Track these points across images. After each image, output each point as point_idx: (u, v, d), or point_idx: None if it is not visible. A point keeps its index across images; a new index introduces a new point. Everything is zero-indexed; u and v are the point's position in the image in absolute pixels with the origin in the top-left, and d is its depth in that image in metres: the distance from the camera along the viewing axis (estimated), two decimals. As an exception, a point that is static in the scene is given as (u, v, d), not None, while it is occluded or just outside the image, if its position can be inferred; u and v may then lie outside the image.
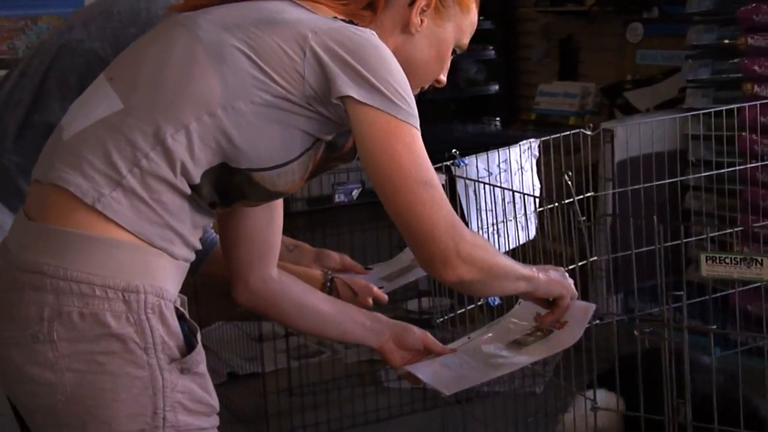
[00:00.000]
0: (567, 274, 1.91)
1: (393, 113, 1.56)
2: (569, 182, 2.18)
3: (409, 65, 1.71)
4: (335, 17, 1.63)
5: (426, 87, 1.84)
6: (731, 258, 1.82)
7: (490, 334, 2.00)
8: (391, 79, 1.56)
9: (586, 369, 2.26)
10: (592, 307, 1.88)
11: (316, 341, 4.42)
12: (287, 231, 4.46)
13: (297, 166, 1.64)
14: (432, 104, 6.91)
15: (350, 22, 1.63)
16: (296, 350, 4.18)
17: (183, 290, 3.60)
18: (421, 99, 5.58)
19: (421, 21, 1.74)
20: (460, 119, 6.65)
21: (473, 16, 1.82)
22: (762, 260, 1.81)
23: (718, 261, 1.84)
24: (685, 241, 2.69)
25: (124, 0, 2.15)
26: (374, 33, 1.62)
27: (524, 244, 2.70)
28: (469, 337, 2.02)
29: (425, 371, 1.87)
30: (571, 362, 2.31)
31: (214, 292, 1.91)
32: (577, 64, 6.37)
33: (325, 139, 1.67)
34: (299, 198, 5.21)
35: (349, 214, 3.33)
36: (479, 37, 7.26)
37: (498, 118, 6.40)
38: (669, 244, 2.27)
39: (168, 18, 1.70)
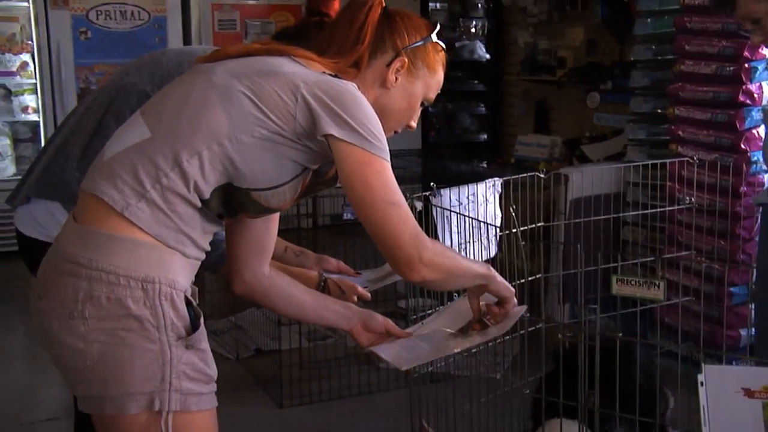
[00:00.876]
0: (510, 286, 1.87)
1: (366, 148, 1.55)
2: (513, 214, 2.14)
3: (384, 113, 1.70)
4: (324, 72, 1.62)
5: (399, 130, 1.81)
6: (636, 281, 1.78)
7: (440, 322, 1.96)
8: (365, 121, 1.55)
9: (531, 364, 2.22)
10: (523, 308, 1.85)
11: (326, 329, 4.40)
12: (312, 240, 4.46)
13: (288, 189, 1.62)
14: (436, 146, 6.93)
15: (336, 76, 1.62)
16: (308, 333, 4.16)
17: (221, 284, 3.60)
18: (428, 142, 5.65)
19: (396, 78, 1.73)
20: (457, 159, 6.63)
21: (439, 76, 1.79)
22: (659, 284, 1.77)
23: (626, 282, 1.80)
24: (612, 265, 2.67)
25: (171, 53, 2.18)
26: (355, 85, 1.61)
27: (490, 260, 2.67)
28: (422, 323, 1.99)
29: (386, 351, 1.85)
30: (524, 356, 2.28)
31: (229, 287, 1.89)
32: (548, 121, 6.38)
33: (312, 167, 1.65)
34: (322, 215, 5.22)
35: (355, 227, 3.29)
36: (473, 95, 7.35)
37: (485, 161, 6.38)
38: (593, 268, 2.24)
39: (193, 67, 1.69)
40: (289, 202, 1.66)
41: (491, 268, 1.78)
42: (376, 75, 1.72)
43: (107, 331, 1.49)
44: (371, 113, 1.58)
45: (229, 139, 1.54)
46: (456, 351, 1.88)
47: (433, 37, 1.76)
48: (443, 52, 1.80)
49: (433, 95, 1.80)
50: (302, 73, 1.59)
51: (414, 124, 1.81)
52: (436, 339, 1.88)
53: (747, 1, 2.16)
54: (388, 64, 1.71)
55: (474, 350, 2.79)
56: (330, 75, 1.61)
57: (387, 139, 1.64)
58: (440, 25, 1.81)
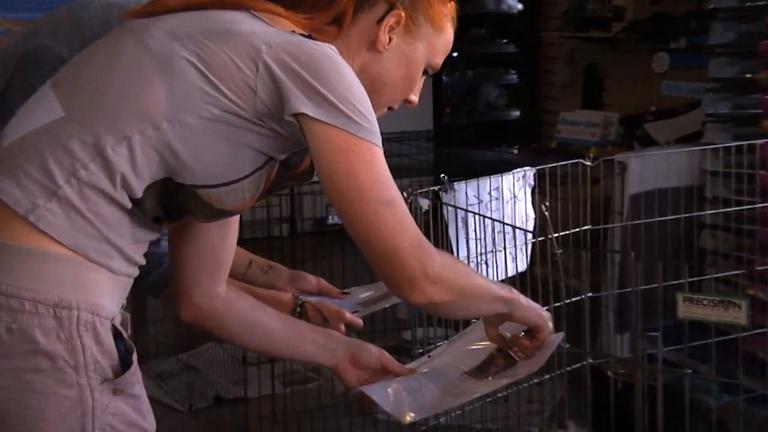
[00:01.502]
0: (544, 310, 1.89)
1: (351, 131, 1.54)
2: (546, 214, 2.15)
3: (375, 84, 1.72)
4: (293, 31, 1.61)
5: (395, 107, 1.83)
6: (708, 300, 1.79)
7: (451, 356, 1.97)
8: (349, 96, 1.54)
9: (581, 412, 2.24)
10: (560, 335, 1.86)
11: (306, 367, 4.41)
12: (289, 252, 4.48)
13: (247, 185, 1.62)
14: (453, 128, 6.93)
15: (309, 36, 1.61)
16: (282, 376, 4.17)
17: (170, 311, 3.62)
18: (441, 123, 5.69)
19: (390, 39, 1.73)
20: (478, 145, 6.63)
21: (448, 35, 1.80)
22: (740, 303, 1.78)
23: (695, 302, 1.81)
24: (685, 281, 2.67)
25: (94, 6, 2.15)
26: (333, 47, 1.60)
27: (519, 275, 2.68)
28: (429, 356, 2.00)
29: (380, 394, 1.84)
30: (567, 402, 2.30)
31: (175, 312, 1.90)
32: (601, 93, 6.36)
33: (279, 157, 1.65)
34: (305, 218, 5.23)
35: (344, 235, 3.31)
36: (501, 60, 7.38)
37: (516, 146, 6.38)
38: (657, 285, 2.25)
39: (121, 24, 1.69)
40: (248, 202, 1.66)
41: (514, 290, 1.79)
42: (363, 35, 1.72)
43: (9, 374, 1.48)
44: (357, 85, 1.57)
45: (168, 120, 1.53)
46: (474, 396, 1.88)
47: None
48: (452, 3, 1.80)
49: (439, 60, 1.81)
50: (265, 32, 1.57)
51: (415, 98, 1.82)
52: (448, 379, 1.89)
53: None
54: (380, 21, 1.71)
55: (500, 394, 2.80)
56: (302, 35, 1.61)
57: (380, 118, 1.65)
58: None
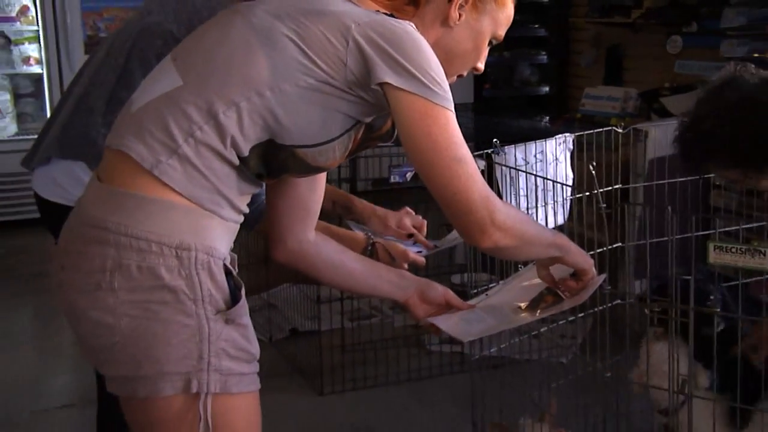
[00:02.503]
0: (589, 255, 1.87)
1: (428, 97, 1.53)
2: (593, 173, 2.13)
3: (448, 55, 1.70)
4: (378, 11, 1.61)
5: (465, 74, 1.81)
6: (737, 248, 1.77)
7: (506, 294, 1.96)
8: (426, 67, 1.54)
9: (607, 344, 2.22)
10: (602, 277, 1.84)
11: (370, 304, 4.42)
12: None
13: (337, 145, 1.62)
14: (491, 100, 6.90)
15: (391, 15, 1.61)
16: (350, 312, 4.18)
17: (255, 256, 3.63)
18: (481, 96, 5.60)
19: (459, 15, 1.71)
20: (515, 114, 6.60)
21: (509, 9, 1.78)
22: (765, 251, 1.75)
23: (725, 250, 1.79)
24: (701, 233, 2.63)
25: None
26: (412, 24, 1.59)
27: (558, 227, 2.66)
28: (486, 294, 1.99)
29: (445, 323, 1.84)
30: (601, 335, 2.28)
31: (269, 254, 1.90)
32: (621, 71, 6.30)
33: (365, 121, 1.65)
34: (362, 179, 5.22)
35: (402, 193, 3.30)
36: (534, 42, 7.30)
37: (548, 117, 6.34)
38: (681, 236, 2.22)
39: (230, 6, 1.69)
40: (339, 160, 1.66)
41: (565, 237, 1.78)
42: (436, 12, 1.71)
43: (138, 304, 1.50)
44: (433, 57, 1.56)
45: (271, 89, 1.53)
46: (528, 322, 1.87)
47: None
48: None
49: (502, 32, 1.79)
50: (353, 12, 1.58)
51: (481, 66, 1.80)
52: (504, 312, 1.88)
53: (717, 169, 2.22)
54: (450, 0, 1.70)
55: (535, 332, 2.79)
56: (385, 14, 1.61)
57: (450, 85, 1.64)
58: None
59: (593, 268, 1.82)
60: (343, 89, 1.56)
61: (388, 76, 1.53)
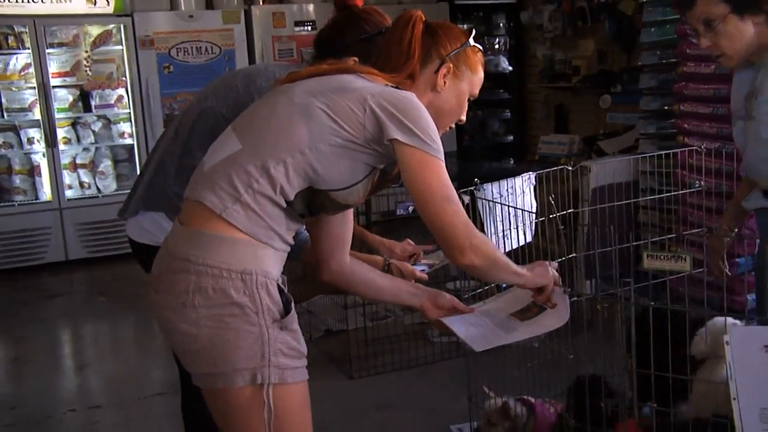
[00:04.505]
0: (551, 265, 1.83)
1: (425, 150, 1.53)
2: (552, 202, 2.11)
3: (439, 113, 1.70)
4: (386, 84, 1.61)
5: (452, 126, 1.80)
6: (664, 255, 1.73)
7: (500, 303, 1.92)
8: (425, 126, 1.54)
9: (568, 332, 2.19)
10: (566, 297, 1.80)
11: (385, 308, 4.39)
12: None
13: (361, 187, 1.62)
14: (470, 149, 6.91)
15: (396, 87, 1.61)
16: (371, 314, 4.15)
17: (293, 275, 3.60)
18: (462, 146, 5.54)
19: (444, 82, 1.71)
20: (489, 159, 6.61)
21: (481, 73, 1.77)
22: (686, 257, 1.72)
23: (655, 257, 1.76)
24: (635, 244, 2.61)
25: (240, 77, 2.16)
26: (413, 94, 1.59)
27: (527, 244, 2.63)
28: (484, 302, 1.96)
29: (458, 327, 1.80)
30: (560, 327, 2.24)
31: (316, 275, 1.88)
32: (567, 122, 6.31)
33: (379, 167, 1.64)
34: (375, 212, 5.20)
35: (406, 223, 3.27)
36: (500, 103, 7.29)
37: (513, 160, 6.33)
38: (620, 246, 2.20)
39: (274, 88, 1.69)
40: (362, 198, 1.66)
41: (526, 270, 1.74)
42: (427, 82, 1.71)
43: (214, 318, 1.49)
44: (429, 119, 1.56)
45: (309, 148, 1.53)
46: (524, 338, 1.80)
47: (471, 41, 1.75)
48: (480, 52, 1.78)
49: (477, 91, 1.78)
50: (368, 87, 1.58)
51: (464, 118, 1.79)
52: (499, 317, 1.85)
53: (706, 0, 1.94)
54: (436, 71, 1.70)
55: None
56: (392, 87, 1.60)
57: (441, 136, 1.63)
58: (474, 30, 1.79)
59: (550, 285, 1.78)
60: (363, 145, 1.56)
61: (397, 134, 1.53)
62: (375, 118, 1.53)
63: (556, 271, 1.82)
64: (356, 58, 1.99)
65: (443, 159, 1.56)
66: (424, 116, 1.55)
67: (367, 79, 1.62)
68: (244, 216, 1.52)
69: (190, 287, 1.50)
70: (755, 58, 2.01)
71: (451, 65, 1.71)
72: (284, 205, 1.55)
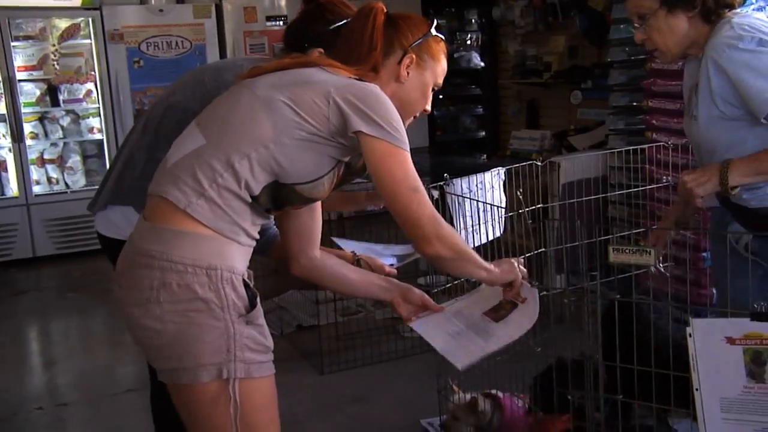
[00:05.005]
0: (519, 261, 1.84)
1: (390, 141, 1.54)
2: (520, 197, 2.12)
3: (403, 103, 1.71)
4: (350, 77, 1.61)
5: (417, 116, 1.80)
6: (629, 249, 1.74)
7: (471, 301, 1.92)
8: (388, 118, 1.54)
9: (537, 325, 2.20)
10: (535, 290, 1.82)
11: (356, 303, 4.39)
12: (339, 231, 4.44)
13: (326, 180, 1.62)
14: (442, 144, 6.92)
15: (360, 79, 1.61)
16: (342, 310, 4.16)
17: (266, 270, 3.58)
18: (434, 141, 5.54)
19: (407, 73, 1.72)
20: (460, 154, 6.61)
21: (444, 63, 1.78)
22: (650, 251, 1.74)
23: (621, 251, 1.77)
24: (603, 238, 2.63)
25: (209, 71, 2.17)
26: (377, 86, 1.60)
27: (496, 239, 2.64)
28: (456, 300, 1.95)
29: (435, 339, 1.79)
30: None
31: (288, 270, 1.88)
32: (538, 118, 6.33)
33: (344, 160, 1.65)
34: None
35: (377, 217, 3.28)
36: (472, 99, 7.29)
37: (485, 155, 6.34)
38: (589, 241, 2.21)
39: (237, 83, 1.68)
40: (327, 192, 1.66)
41: (492, 269, 1.74)
42: (390, 73, 1.71)
43: (179, 313, 1.49)
44: (393, 110, 1.57)
45: (273, 142, 1.53)
46: (504, 344, 1.79)
47: (432, 31, 1.75)
48: (443, 42, 1.78)
49: (440, 80, 1.79)
50: (332, 79, 1.58)
51: (429, 108, 1.79)
52: (473, 318, 1.84)
53: None
54: (399, 62, 1.70)
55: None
56: (355, 79, 1.61)
57: (413, 131, 1.64)
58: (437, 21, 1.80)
59: (518, 279, 1.79)
60: (327, 138, 1.56)
61: (361, 126, 1.53)
62: (339, 111, 1.53)
63: (523, 266, 1.83)
64: (321, 50, 2.01)
65: (408, 150, 1.57)
66: (388, 108, 1.56)
67: (330, 72, 1.62)
68: (208, 211, 1.52)
69: (155, 283, 1.49)
70: (694, 52, 1.97)
71: (414, 56, 1.71)
72: (249, 199, 1.55)
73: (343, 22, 2.01)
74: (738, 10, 1.94)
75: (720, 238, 2.03)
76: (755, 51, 1.81)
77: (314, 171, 1.58)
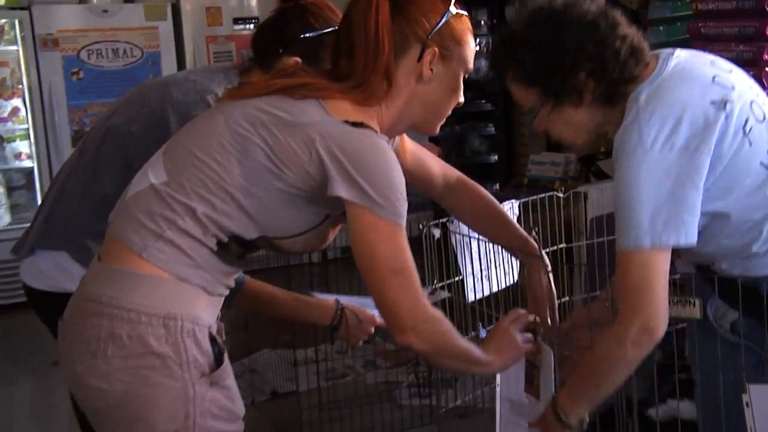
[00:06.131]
0: (517, 319, 1.87)
1: (375, 211, 1.55)
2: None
3: (429, 107, 1.73)
4: (347, 120, 1.59)
5: (449, 112, 1.80)
6: (671, 299, 1.72)
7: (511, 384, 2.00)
8: (380, 181, 1.55)
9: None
10: (549, 352, 1.87)
11: (344, 365, 4.41)
12: (324, 275, 4.45)
13: (312, 234, 1.65)
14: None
15: (362, 124, 1.59)
16: (326, 372, 4.17)
17: (234, 325, 3.60)
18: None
19: (432, 70, 1.69)
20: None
21: (471, 43, 1.74)
22: (694, 301, 1.78)
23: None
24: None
25: (156, 89, 2.19)
26: (378, 138, 1.59)
27: (514, 285, 2.68)
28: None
29: None
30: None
31: (261, 323, 1.93)
32: (561, 139, 6.35)
33: (336, 213, 1.66)
34: (332, 247, 5.22)
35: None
36: (481, 116, 7.31)
37: (497, 183, 6.39)
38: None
39: (218, 104, 1.72)
40: (321, 244, 1.70)
41: (489, 361, 1.78)
42: (408, 76, 1.68)
43: (130, 370, 1.52)
44: (389, 171, 1.56)
45: (242, 192, 1.57)
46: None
47: (452, 9, 1.70)
48: (465, 16, 1.74)
49: (471, 65, 1.76)
50: (321, 123, 1.57)
51: (462, 99, 1.78)
52: (522, 407, 1.92)
53: (515, 90, 1.90)
54: (419, 59, 1.67)
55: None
56: (353, 124, 1.58)
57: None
58: None
59: (520, 355, 1.85)
60: (309, 192, 1.58)
61: (341, 190, 1.54)
62: (321, 166, 1.54)
63: (532, 318, 1.88)
64: (298, 59, 2.05)
65: (402, 221, 1.58)
66: (381, 168, 1.56)
67: (326, 107, 1.60)
68: (168, 254, 1.56)
69: (102, 334, 1.53)
70: (613, 129, 1.87)
71: (436, 48, 1.67)
72: (215, 248, 1.59)
73: (328, 29, 2.05)
74: (653, 75, 1.80)
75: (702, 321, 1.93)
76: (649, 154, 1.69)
77: (296, 225, 1.62)
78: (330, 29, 2.04)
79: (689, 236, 1.67)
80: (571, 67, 1.75)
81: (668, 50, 1.84)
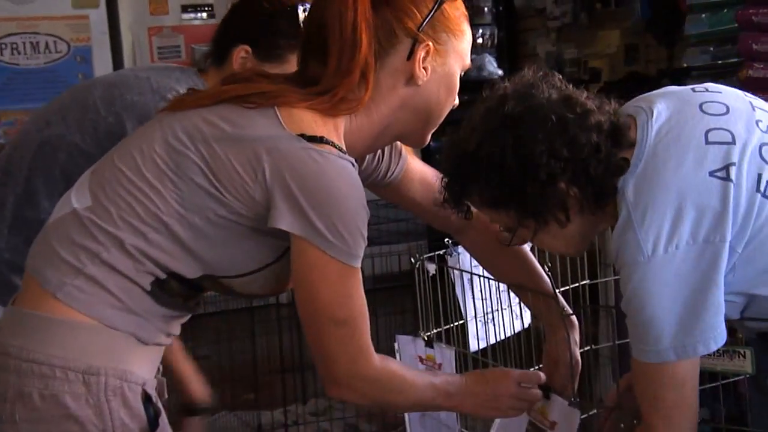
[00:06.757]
0: (516, 377, 1.87)
1: (324, 249, 1.53)
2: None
3: (422, 112, 1.73)
4: (302, 134, 1.56)
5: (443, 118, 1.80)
6: (716, 351, 1.74)
7: None
8: (333, 214, 1.53)
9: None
10: (577, 412, 1.88)
11: (320, 430, 4.37)
12: (294, 318, 4.42)
13: (269, 273, 1.64)
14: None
15: (321, 139, 1.56)
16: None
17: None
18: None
19: (425, 69, 1.68)
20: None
21: (468, 34, 1.75)
22: (744, 352, 1.76)
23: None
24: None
25: (98, 90, 2.18)
26: (336, 160, 1.56)
27: (526, 330, 2.66)
28: None
29: None
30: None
31: (218, 380, 1.90)
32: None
33: None
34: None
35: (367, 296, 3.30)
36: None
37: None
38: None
39: (159, 114, 1.70)
40: (282, 285, 1.68)
41: (457, 398, 1.78)
42: (394, 74, 1.67)
43: None
44: (344, 200, 1.54)
45: (178, 220, 1.55)
46: None
47: None
48: (459, 1, 1.74)
49: (469, 60, 1.76)
50: (272, 137, 1.54)
51: (457, 101, 1.78)
52: None
53: (486, 213, 1.88)
54: (409, 57, 1.66)
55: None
56: (308, 139, 1.55)
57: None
58: None
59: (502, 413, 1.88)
60: (255, 220, 1.57)
61: (283, 222, 1.53)
62: (266, 191, 1.52)
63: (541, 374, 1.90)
64: (248, 48, 2.08)
65: (355, 262, 1.56)
66: (335, 197, 1.53)
67: (281, 119, 1.57)
68: (89, 294, 1.54)
69: (9, 393, 1.51)
70: (606, 227, 1.93)
71: (430, 42, 1.66)
72: (148, 287, 1.58)
73: (280, 10, 2.10)
74: (634, 156, 1.73)
75: (756, 383, 1.91)
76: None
77: (247, 263, 1.61)
78: (284, 10, 2.09)
79: (718, 339, 1.66)
80: (547, 178, 1.70)
81: (643, 105, 1.77)
